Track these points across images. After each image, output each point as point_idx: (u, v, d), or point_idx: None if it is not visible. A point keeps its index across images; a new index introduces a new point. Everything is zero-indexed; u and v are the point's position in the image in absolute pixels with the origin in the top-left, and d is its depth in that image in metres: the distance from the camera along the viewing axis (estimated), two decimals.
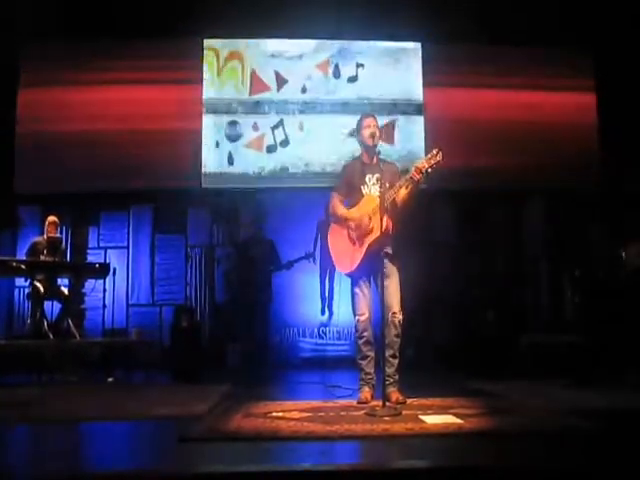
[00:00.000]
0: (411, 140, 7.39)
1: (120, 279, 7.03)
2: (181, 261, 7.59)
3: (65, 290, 6.18)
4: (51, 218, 6.24)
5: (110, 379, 5.52)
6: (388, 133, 7.16)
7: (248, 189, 7.57)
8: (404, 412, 3.31)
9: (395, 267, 3.88)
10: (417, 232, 6.98)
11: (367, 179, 3.95)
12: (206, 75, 7.56)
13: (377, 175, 3.82)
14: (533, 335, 6.22)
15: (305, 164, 6.98)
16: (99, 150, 7.34)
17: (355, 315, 3.95)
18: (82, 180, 7.26)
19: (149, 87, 7.57)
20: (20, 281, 6.75)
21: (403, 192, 3.77)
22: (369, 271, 3.89)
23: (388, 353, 3.75)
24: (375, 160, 3.93)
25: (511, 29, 7.30)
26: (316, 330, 7.43)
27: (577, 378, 4.84)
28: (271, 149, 7.16)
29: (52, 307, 6.30)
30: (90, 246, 7.51)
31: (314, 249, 6.90)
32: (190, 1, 7.20)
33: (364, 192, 3.94)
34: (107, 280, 6.54)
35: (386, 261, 3.75)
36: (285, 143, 7.10)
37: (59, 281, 6.16)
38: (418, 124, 7.57)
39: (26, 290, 6.29)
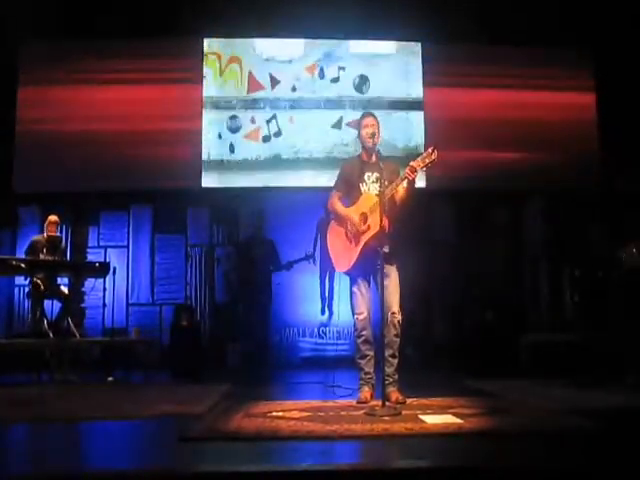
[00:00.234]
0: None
1: (120, 278, 7.02)
2: (181, 261, 7.59)
3: (65, 289, 6.18)
4: (52, 218, 6.24)
5: (110, 378, 5.52)
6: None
7: (248, 189, 7.58)
8: (404, 412, 3.31)
9: (394, 266, 3.88)
10: (417, 231, 6.99)
11: (366, 177, 3.95)
12: (209, 76, 7.73)
13: (376, 174, 3.82)
14: (533, 335, 6.22)
15: (295, 152, 7.72)
16: (99, 150, 7.34)
17: (354, 314, 3.96)
18: (82, 180, 7.27)
19: (149, 87, 7.58)
20: (20, 280, 6.76)
21: (401, 191, 3.77)
22: (367, 270, 3.89)
23: (387, 353, 3.76)
24: (374, 158, 3.93)
25: (511, 29, 7.30)
26: (316, 330, 7.44)
27: (577, 378, 4.85)
28: (266, 139, 7.77)
29: (52, 306, 6.30)
30: (90, 245, 7.51)
31: (314, 249, 6.91)
32: (190, 1, 7.20)
33: (362, 190, 3.94)
34: (107, 279, 6.52)
35: (385, 261, 3.75)
36: (278, 134, 7.78)
37: (59, 280, 6.15)
38: (396, 119, 7.76)
39: (26, 289, 6.29)
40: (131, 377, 5.74)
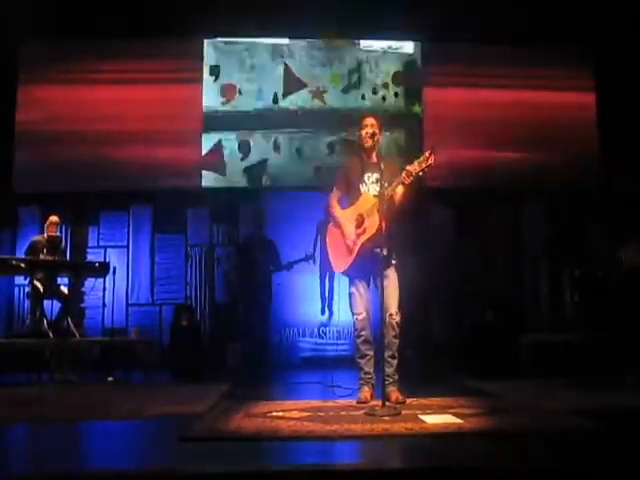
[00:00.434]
0: None
1: (120, 278, 7.01)
2: (181, 261, 7.59)
3: (65, 289, 6.18)
4: (53, 218, 6.24)
5: (110, 378, 5.52)
6: None
7: (248, 189, 7.58)
8: (404, 412, 3.31)
9: (393, 267, 3.87)
10: (416, 232, 6.98)
11: (366, 177, 3.95)
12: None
13: (376, 175, 3.81)
14: (533, 335, 6.22)
15: None
16: (99, 150, 7.35)
17: (353, 314, 3.96)
18: (82, 180, 7.27)
19: (149, 87, 7.57)
20: (20, 280, 6.76)
21: (399, 192, 3.76)
22: (365, 271, 3.89)
23: (387, 354, 3.76)
24: (375, 159, 3.92)
25: (511, 29, 7.29)
26: (316, 330, 7.43)
27: (577, 378, 4.85)
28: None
29: (52, 306, 6.29)
30: (90, 245, 7.51)
31: (314, 250, 6.91)
32: (190, 1, 7.20)
33: (362, 190, 3.94)
34: (107, 279, 6.53)
35: (383, 262, 3.74)
36: None
37: (59, 280, 6.15)
38: None
39: (26, 289, 6.29)
40: (131, 377, 5.74)
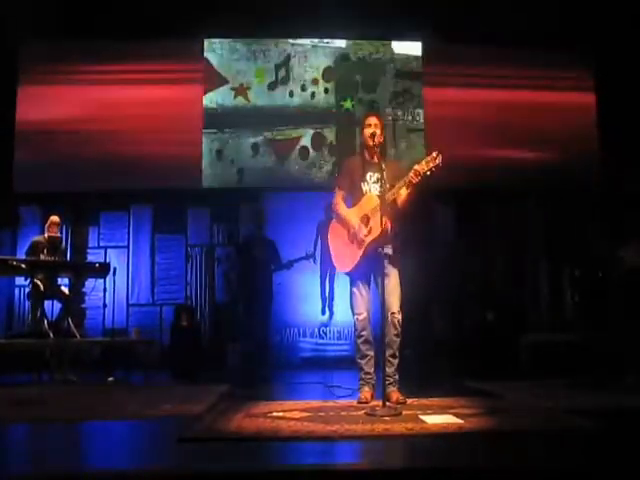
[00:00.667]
0: None
1: (120, 279, 7.02)
2: (181, 261, 7.59)
3: (65, 289, 6.18)
4: (53, 218, 6.23)
5: (110, 379, 5.51)
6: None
7: (248, 189, 7.58)
8: (404, 412, 3.31)
9: (395, 267, 3.88)
10: (417, 232, 6.98)
11: (368, 177, 3.95)
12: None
13: (377, 175, 3.81)
14: (533, 335, 6.22)
15: None
16: (99, 150, 7.35)
17: (354, 315, 3.96)
18: (82, 180, 7.27)
19: (149, 87, 7.58)
20: (20, 280, 6.76)
21: (403, 193, 3.77)
22: (368, 271, 3.89)
23: (388, 353, 3.75)
24: (376, 158, 3.92)
25: (511, 29, 7.29)
26: (316, 330, 7.44)
27: (577, 378, 4.84)
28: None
29: (52, 306, 6.30)
30: (90, 245, 7.51)
31: (314, 249, 6.91)
32: (190, 1, 7.20)
33: (364, 190, 3.94)
34: (107, 280, 6.52)
35: (386, 261, 3.75)
36: None
37: (59, 280, 6.15)
38: None
39: (26, 289, 6.28)
40: (131, 377, 5.73)
